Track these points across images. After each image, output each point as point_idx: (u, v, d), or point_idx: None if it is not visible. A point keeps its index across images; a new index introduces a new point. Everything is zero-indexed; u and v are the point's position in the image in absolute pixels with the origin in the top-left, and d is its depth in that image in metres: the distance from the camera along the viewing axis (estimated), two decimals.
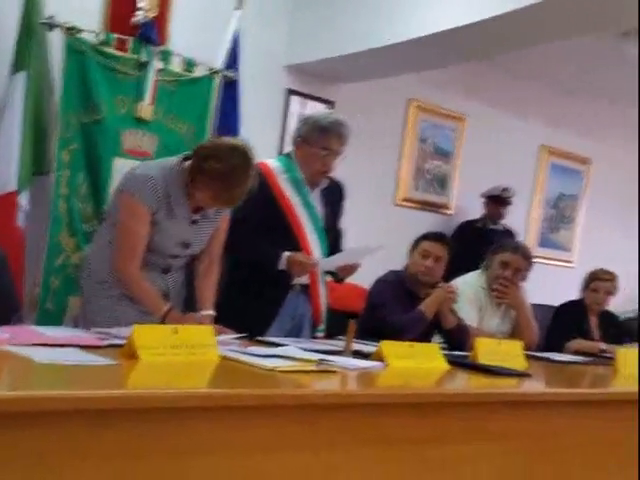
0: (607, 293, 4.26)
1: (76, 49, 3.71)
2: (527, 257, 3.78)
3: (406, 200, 5.73)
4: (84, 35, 3.74)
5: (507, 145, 6.20)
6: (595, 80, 5.89)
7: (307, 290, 3.18)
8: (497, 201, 5.74)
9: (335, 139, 3.06)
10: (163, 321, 2.51)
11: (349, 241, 3.41)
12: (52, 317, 3.67)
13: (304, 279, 3.13)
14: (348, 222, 3.44)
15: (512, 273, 3.73)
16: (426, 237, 3.44)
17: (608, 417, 2.53)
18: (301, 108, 4.95)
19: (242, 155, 2.56)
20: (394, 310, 3.27)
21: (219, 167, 2.54)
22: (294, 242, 3.06)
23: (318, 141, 3.06)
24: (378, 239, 3.31)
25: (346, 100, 5.17)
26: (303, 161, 3.12)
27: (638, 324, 5.11)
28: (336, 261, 3.11)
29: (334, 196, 3.27)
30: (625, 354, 3.26)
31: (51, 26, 3.67)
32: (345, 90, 5.18)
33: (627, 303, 6.15)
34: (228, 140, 2.65)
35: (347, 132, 3.09)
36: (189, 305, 2.90)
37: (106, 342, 2.08)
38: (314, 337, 3.15)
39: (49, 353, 1.79)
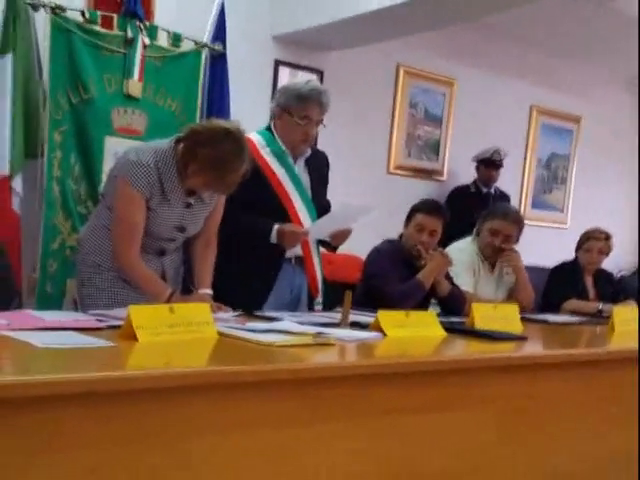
0: (601, 252, 4.27)
1: (62, 28, 3.69)
2: (517, 222, 3.78)
3: (398, 167, 5.72)
4: (69, 14, 3.72)
5: (497, 107, 6.18)
6: (582, 38, 5.86)
7: (302, 262, 3.18)
8: (488, 164, 5.73)
9: (315, 107, 3.04)
10: None
11: None
12: (51, 300, 3.68)
13: (298, 251, 3.13)
14: (341, 191, 3.46)
15: (502, 240, 3.74)
16: (420, 209, 3.41)
17: (607, 376, 2.57)
18: (290, 78, 4.92)
19: (234, 140, 2.54)
20: (391, 280, 3.27)
21: (212, 154, 2.52)
22: (283, 215, 3.05)
23: (297, 110, 3.03)
24: (373, 211, 3.29)
25: (335, 68, 5.16)
26: (284, 131, 3.10)
27: (638, 281, 5.15)
28: (326, 227, 3.08)
29: (319, 165, 3.27)
30: (621, 312, 3.29)
31: (35, 6, 3.64)
32: (334, 58, 5.15)
33: (622, 261, 6.20)
34: (220, 124, 2.61)
35: (327, 100, 3.06)
36: (186, 285, 2.92)
37: (104, 324, 2.10)
38: (312, 309, 3.17)
39: (48, 337, 1.80)
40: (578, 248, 4.33)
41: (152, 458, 1.58)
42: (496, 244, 3.73)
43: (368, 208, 3.22)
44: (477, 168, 5.80)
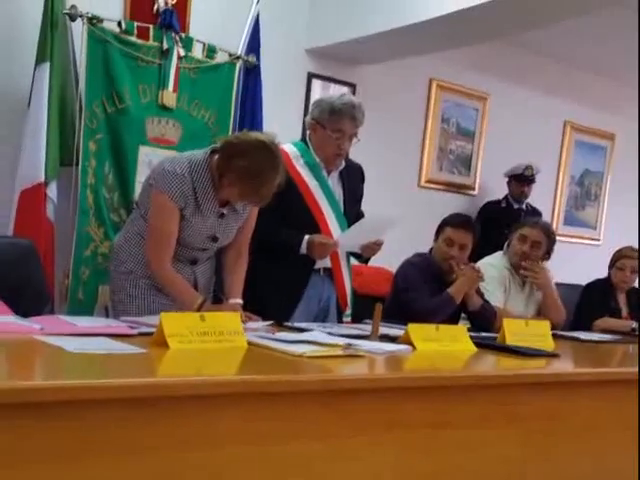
0: (634, 271, 4.22)
1: (98, 38, 3.73)
2: (546, 231, 3.74)
3: (429, 182, 5.72)
4: (106, 24, 3.76)
5: (530, 123, 6.15)
6: (617, 55, 5.81)
7: (331, 274, 3.18)
8: (520, 180, 5.70)
9: (348, 121, 3.04)
10: None
11: None
12: (83, 307, 3.71)
13: (327, 262, 3.13)
14: (372, 205, 3.44)
15: (530, 247, 3.69)
16: (450, 223, 3.39)
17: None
18: (323, 91, 4.94)
19: (269, 152, 2.55)
20: (421, 293, 3.26)
21: (246, 165, 2.53)
22: (314, 227, 3.06)
23: (331, 124, 3.04)
24: (402, 221, 3.28)
25: (368, 82, 5.16)
26: (318, 144, 3.11)
27: None
28: (356, 237, 3.08)
29: (353, 178, 3.27)
30: None
31: (73, 16, 3.69)
32: (367, 72, 5.16)
33: None
34: (255, 136, 2.62)
35: (360, 114, 3.06)
36: (216, 294, 2.93)
37: (136, 331, 2.11)
38: (340, 322, 3.16)
39: (80, 343, 1.81)
40: (611, 266, 4.28)
41: (181, 466, 1.58)
42: (524, 249, 3.69)
43: (397, 218, 3.21)
44: (509, 183, 5.78)
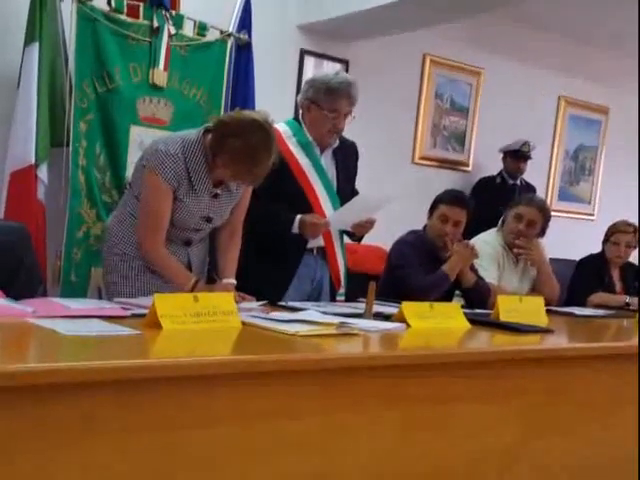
0: (629, 246, 4.22)
1: (88, 17, 3.69)
2: (542, 209, 3.73)
3: (423, 158, 5.70)
4: (95, 3, 3.71)
5: (525, 98, 6.13)
6: (611, 28, 5.78)
7: (325, 253, 3.17)
8: (517, 156, 5.68)
9: (344, 100, 3.02)
10: None
11: None
12: (76, 289, 3.70)
13: (321, 242, 3.12)
14: (365, 181, 3.43)
15: (526, 225, 3.69)
16: (444, 200, 3.38)
17: (635, 370, 2.53)
18: (315, 68, 4.92)
19: (263, 132, 2.53)
20: (416, 271, 3.26)
21: (240, 145, 2.51)
22: (307, 205, 3.05)
23: (327, 103, 3.01)
24: (395, 200, 3.27)
25: (360, 58, 5.14)
26: (312, 123, 3.09)
27: None
28: (347, 216, 3.07)
29: (347, 156, 3.25)
30: None
31: None
32: (359, 48, 5.13)
33: None
34: (249, 115, 2.60)
35: (356, 92, 3.04)
36: (210, 274, 2.92)
37: (129, 312, 2.10)
38: (334, 301, 3.15)
39: (73, 325, 1.81)
40: (605, 241, 4.27)
41: (176, 444, 1.59)
42: (520, 228, 3.69)
43: (388, 197, 3.20)
44: (504, 159, 5.76)
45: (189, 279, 2.62)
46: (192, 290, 2.52)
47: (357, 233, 3.19)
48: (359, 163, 3.34)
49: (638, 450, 2.51)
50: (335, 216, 3.05)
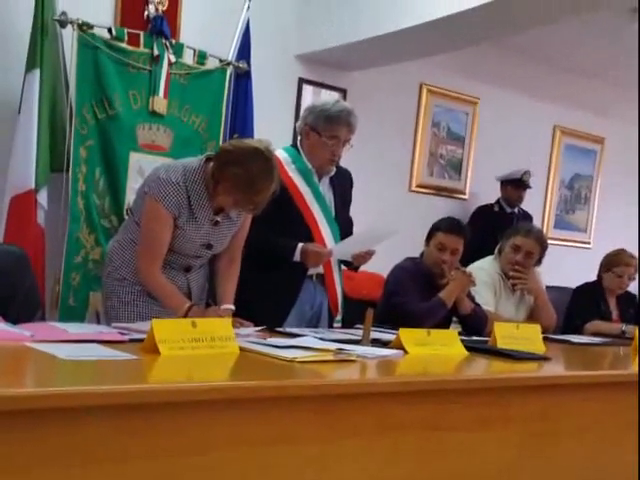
0: (630, 278, 4.22)
1: (89, 45, 3.73)
2: (539, 241, 3.74)
3: (420, 186, 5.73)
4: (96, 30, 3.76)
5: (521, 127, 6.18)
6: (606, 59, 5.84)
7: (323, 279, 3.18)
8: (517, 185, 5.71)
9: (344, 128, 3.04)
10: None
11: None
12: (74, 313, 3.70)
13: (320, 268, 3.13)
14: (362, 209, 3.45)
15: (524, 257, 3.70)
16: (441, 228, 3.40)
17: (630, 398, 2.53)
18: (314, 97, 4.95)
19: (265, 160, 2.54)
20: (413, 298, 3.27)
21: (241, 173, 2.52)
22: (306, 233, 3.06)
23: (326, 130, 3.03)
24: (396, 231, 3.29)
25: (358, 87, 5.18)
26: (311, 150, 3.11)
27: None
28: (350, 247, 3.09)
29: (342, 184, 3.27)
30: None
31: (63, 23, 3.69)
32: (357, 77, 5.18)
33: None
34: (251, 144, 2.62)
35: (355, 120, 3.06)
36: (208, 300, 2.92)
37: (127, 337, 2.11)
38: (332, 327, 3.16)
39: (71, 349, 1.81)
40: (606, 270, 4.25)
41: (173, 471, 1.58)
42: (517, 259, 3.70)
43: (392, 230, 3.20)
44: (504, 188, 5.78)
45: (183, 303, 2.62)
46: (186, 314, 2.53)
47: (356, 263, 3.20)
48: (357, 191, 3.37)
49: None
50: (339, 246, 3.07)
